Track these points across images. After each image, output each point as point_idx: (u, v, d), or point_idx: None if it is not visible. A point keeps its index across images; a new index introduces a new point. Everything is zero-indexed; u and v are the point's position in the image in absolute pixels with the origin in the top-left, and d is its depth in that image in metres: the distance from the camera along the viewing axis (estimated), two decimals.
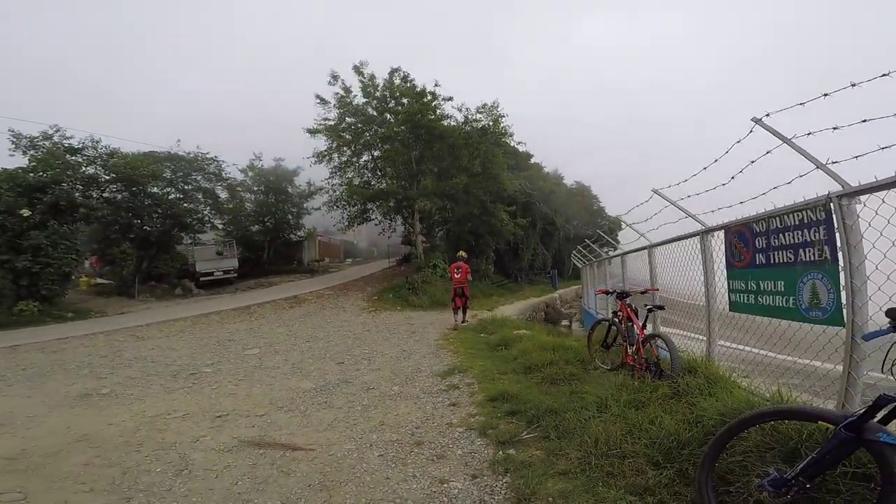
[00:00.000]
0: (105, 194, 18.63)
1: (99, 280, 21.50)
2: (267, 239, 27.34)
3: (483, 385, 5.39)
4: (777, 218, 3.24)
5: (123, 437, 4.36)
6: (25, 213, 14.32)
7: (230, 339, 10.45)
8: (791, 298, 3.05)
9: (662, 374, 4.05)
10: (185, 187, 22.15)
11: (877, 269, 2.44)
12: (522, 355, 6.44)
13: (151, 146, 25.30)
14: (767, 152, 3.36)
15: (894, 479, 1.56)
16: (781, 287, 3.17)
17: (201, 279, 22.25)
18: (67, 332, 11.83)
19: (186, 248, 24.05)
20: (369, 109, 20.38)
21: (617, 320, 5.36)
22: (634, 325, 4.91)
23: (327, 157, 21.14)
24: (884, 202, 2.39)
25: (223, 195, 25.14)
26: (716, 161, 3.93)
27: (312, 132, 20.36)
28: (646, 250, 6.53)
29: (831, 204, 2.72)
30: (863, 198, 2.60)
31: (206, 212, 23.81)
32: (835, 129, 2.94)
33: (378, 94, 20.13)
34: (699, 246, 4.60)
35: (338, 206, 22.30)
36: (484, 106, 20.61)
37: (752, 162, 3.51)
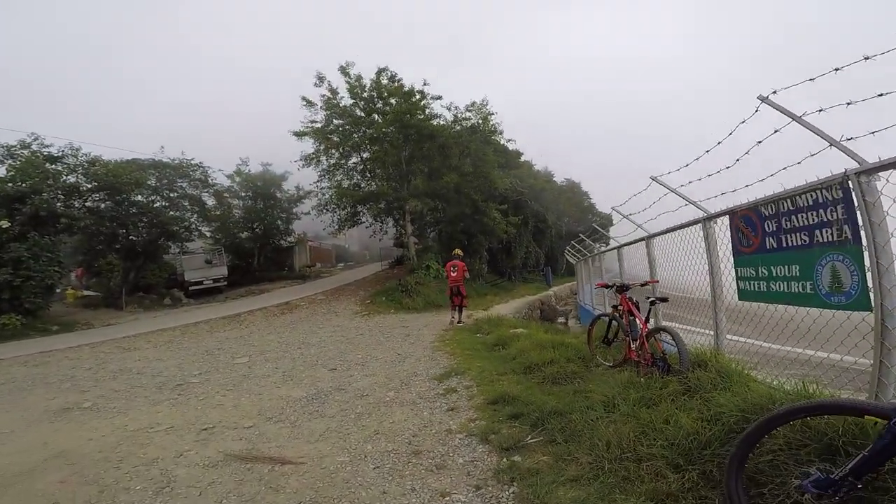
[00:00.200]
0: (88, 203, 18.15)
1: (86, 292, 21.04)
2: (257, 245, 26.96)
3: (482, 387, 5.17)
4: (788, 199, 3.06)
5: (103, 453, 4.17)
6: (4, 224, 13.88)
7: (219, 348, 10.15)
8: (808, 283, 2.87)
9: (670, 370, 3.86)
10: (171, 195, 21.73)
11: None
12: (521, 355, 6.22)
13: (134, 153, 24.87)
14: (776, 131, 3.19)
15: None
16: (796, 271, 2.99)
17: (191, 288, 21.91)
18: (52, 346, 11.52)
19: (174, 258, 23.65)
20: (357, 110, 20.09)
21: (618, 315, 5.19)
22: (637, 320, 4.73)
23: (315, 160, 20.84)
24: None
25: (210, 202, 24.72)
26: (719, 143, 3.76)
27: (299, 135, 20.04)
28: (643, 242, 6.36)
29: (849, 182, 2.54)
30: (883, 174, 2.42)
31: (193, 219, 23.40)
32: (849, 104, 2.76)
33: (365, 94, 19.86)
34: (702, 234, 4.42)
35: (327, 210, 22.02)
36: (473, 104, 20.52)
37: (759, 142, 3.34)
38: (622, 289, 5.08)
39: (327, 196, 21.78)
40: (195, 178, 22.62)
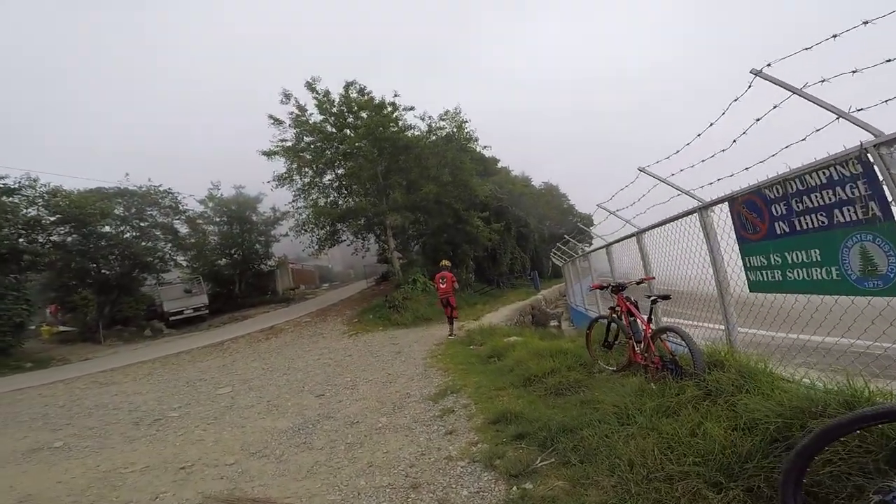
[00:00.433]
0: (52, 238, 17.32)
1: (62, 328, 20.30)
2: (237, 272, 26.21)
3: (481, 405, 4.82)
4: (796, 179, 2.84)
5: (72, 497, 3.89)
6: None
7: (201, 378, 9.66)
8: (833, 269, 2.63)
9: (683, 373, 3.59)
10: (141, 224, 20.95)
11: None
12: (518, 365, 5.88)
13: (98, 182, 23.94)
14: (774, 107, 2.99)
15: None
16: (817, 256, 2.75)
17: (171, 318, 21.34)
18: (24, 383, 11.13)
19: (152, 289, 22.87)
20: (328, 126, 19.64)
21: (616, 316, 4.93)
22: (638, 320, 4.47)
23: (288, 180, 20.28)
24: None
25: (183, 230, 23.96)
26: (711, 125, 3.56)
27: (269, 154, 19.42)
28: (633, 238, 6.15)
29: (868, 155, 2.33)
30: None
31: (167, 249, 22.63)
32: (854, 72, 2.58)
33: (335, 109, 19.44)
34: (698, 224, 4.20)
35: (305, 230, 21.43)
36: (447, 113, 20.30)
37: (758, 120, 3.13)
38: (618, 289, 4.83)
39: (304, 216, 21.22)
40: (165, 205, 21.89)
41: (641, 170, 4.67)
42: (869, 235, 2.37)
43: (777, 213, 3.07)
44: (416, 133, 20.25)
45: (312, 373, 8.63)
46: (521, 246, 30.54)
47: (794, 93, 2.83)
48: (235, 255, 26.18)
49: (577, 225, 11.32)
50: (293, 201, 21.35)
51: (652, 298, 4.24)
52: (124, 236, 20.09)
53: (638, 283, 5.15)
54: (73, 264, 17.91)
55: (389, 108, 19.23)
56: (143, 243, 20.69)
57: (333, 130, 19.57)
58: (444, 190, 20.36)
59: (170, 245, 22.77)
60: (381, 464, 3.78)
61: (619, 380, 4.69)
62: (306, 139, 19.74)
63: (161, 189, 21.68)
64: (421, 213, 21.05)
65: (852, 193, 2.43)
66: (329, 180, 21.21)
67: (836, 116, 2.62)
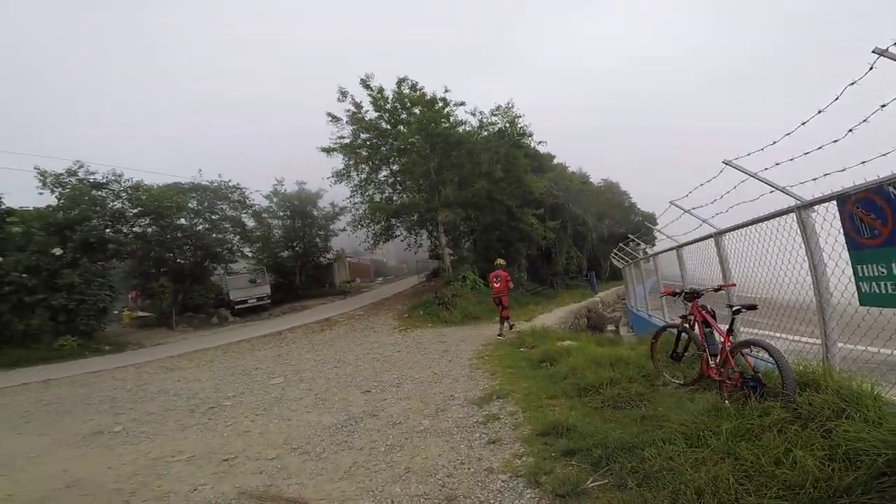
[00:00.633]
0: (134, 228, 18.90)
1: (140, 313, 22.14)
2: (298, 264, 27.34)
3: (529, 414, 4.48)
4: None
5: (118, 484, 4.00)
6: (57, 251, 14.56)
7: (257, 367, 10.03)
8: None
9: (768, 392, 3.09)
10: (212, 217, 22.35)
11: None
12: (573, 373, 5.44)
13: (175, 177, 25.89)
14: None
15: None
16: None
17: (236, 307, 22.53)
18: (101, 366, 12.00)
19: (220, 278, 24.37)
20: (382, 123, 19.88)
21: (688, 326, 4.41)
22: (715, 331, 3.94)
23: (346, 176, 20.80)
24: None
25: (250, 223, 25.33)
26: (820, 112, 3.01)
27: (328, 151, 19.99)
28: (711, 239, 5.49)
29: None
30: None
31: (235, 241, 24.00)
32: None
33: (389, 106, 19.62)
34: (794, 226, 3.59)
35: (361, 225, 21.90)
36: (498, 108, 19.88)
37: (884, 106, 2.58)
38: (692, 296, 4.30)
39: (360, 211, 21.71)
40: (234, 199, 23.21)
41: (727, 163, 4.09)
42: None
43: None
44: (468, 129, 20.01)
45: (361, 367, 8.66)
46: (577, 245, 29.35)
47: None
48: (297, 248, 27.31)
49: (643, 223, 10.55)
50: (350, 197, 21.91)
51: (735, 308, 3.69)
52: (197, 228, 21.55)
53: (715, 290, 4.58)
54: (152, 253, 19.45)
55: (441, 104, 19.17)
56: (214, 235, 22.06)
57: (388, 127, 19.78)
58: (497, 186, 19.99)
59: (237, 237, 24.12)
60: (419, 470, 3.59)
61: (685, 395, 4.22)
62: (362, 136, 20.10)
63: (230, 184, 23.05)
64: (473, 210, 20.79)
65: None
66: (384, 176, 21.53)
67: None
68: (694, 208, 5.42)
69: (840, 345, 3.50)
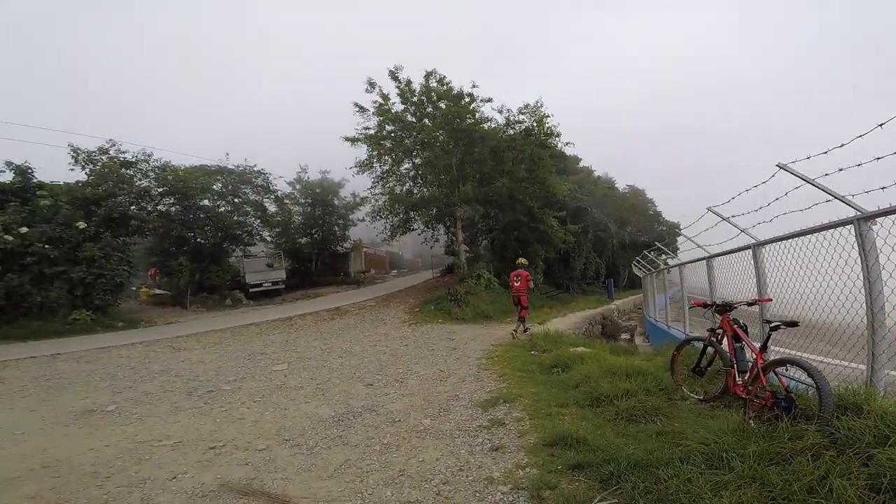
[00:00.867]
0: (159, 207, 19.13)
1: (157, 291, 22.34)
2: (315, 251, 27.40)
3: (536, 422, 4.20)
4: None
5: (94, 467, 3.83)
6: (81, 225, 14.77)
7: (262, 352, 9.93)
8: None
9: (800, 414, 2.78)
10: (235, 200, 22.52)
11: None
12: (586, 381, 5.13)
13: (202, 159, 26.17)
14: None
15: None
16: None
17: (251, 290, 22.60)
18: (110, 342, 11.94)
19: (238, 260, 24.55)
20: (408, 115, 19.71)
21: (715, 340, 4.08)
22: (746, 346, 3.60)
23: (369, 166, 20.71)
24: None
25: (272, 208, 25.47)
26: (880, 126, 2.66)
27: (352, 141, 19.93)
28: (749, 251, 5.08)
29: None
30: None
31: (255, 224, 24.15)
32: None
33: (415, 98, 19.45)
34: (851, 239, 3.21)
35: (380, 217, 21.81)
36: (526, 106, 19.46)
37: None
38: (724, 309, 3.96)
39: (381, 202, 21.61)
40: (258, 184, 23.34)
41: (781, 166, 3.70)
42: None
43: None
44: (493, 125, 19.67)
45: (367, 359, 8.49)
46: (597, 251, 28.75)
47: None
48: (315, 235, 27.38)
49: (667, 233, 10.11)
50: (372, 187, 21.85)
51: (773, 324, 3.34)
52: (219, 210, 21.71)
53: (749, 305, 4.21)
54: (173, 232, 19.65)
55: (467, 99, 18.91)
56: (236, 217, 22.21)
57: (413, 120, 19.61)
58: (519, 186, 19.65)
59: (258, 221, 24.27)
60: (414, 473, 3.36)
61: (705, 412, 3.93)
62: (388, 128, 19.96)
63: (255, 169, 23.19)
64: (492, 208, 20.48)
65: None
66: (406, 169, 21.38)
67: None
68: (733, 216, 5.02)
69: (886, 371, 3.15)
